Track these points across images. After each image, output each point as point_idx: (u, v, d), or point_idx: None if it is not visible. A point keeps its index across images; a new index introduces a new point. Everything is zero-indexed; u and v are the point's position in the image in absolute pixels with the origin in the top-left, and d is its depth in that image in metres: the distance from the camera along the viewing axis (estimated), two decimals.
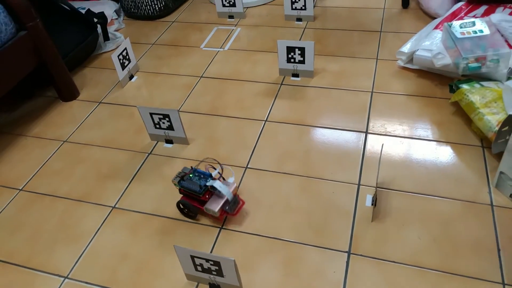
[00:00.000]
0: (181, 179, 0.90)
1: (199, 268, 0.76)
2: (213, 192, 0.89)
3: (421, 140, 1.03)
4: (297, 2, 1.53)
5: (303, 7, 1.54)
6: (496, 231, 0.81)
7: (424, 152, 1.00)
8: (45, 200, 1.01)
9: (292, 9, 1.56)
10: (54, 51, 1.25)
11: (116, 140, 1.16)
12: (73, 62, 1.45)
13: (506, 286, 0.73)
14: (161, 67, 1.44)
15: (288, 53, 1.25)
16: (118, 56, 1.32)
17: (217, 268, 0.73)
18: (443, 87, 1.17)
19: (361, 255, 0.81)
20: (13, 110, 1.33)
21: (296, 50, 1.24)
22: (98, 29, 1.51)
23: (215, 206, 0.87)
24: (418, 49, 1.16)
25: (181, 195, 0.93)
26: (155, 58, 1.50)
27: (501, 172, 0.86)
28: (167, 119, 1.07)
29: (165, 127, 1.09)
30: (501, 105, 0.94)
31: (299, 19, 1.58)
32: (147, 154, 1.11)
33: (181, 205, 0.93)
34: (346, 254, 0.81)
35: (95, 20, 1.49)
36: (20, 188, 1.06)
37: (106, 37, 1.57)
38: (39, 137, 1.21)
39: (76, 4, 1.66)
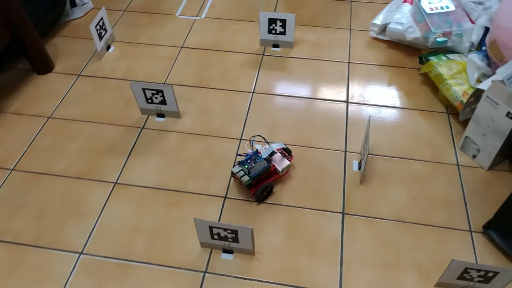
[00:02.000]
0: (247, 174, 0.91)
1: (215, 236, 0.84)
2: (271, 159, 0.95)
3: (395, 108, 1.15)
4: None
5: None
6: (463, 187, 0.97)
7: (398, 119, 1.12)
8: (42, 179, 1.02)
9: None
10: (28, 21, 1.18)
11: (105, 115, 1.17)
12: (42, 31, 1.38)
13: (473, 233, 0.89)
14: (138, 36, 1.42)
15: (269, 24, 1.29)
16: (96, 26, 1.28)
17: (233, 236, 0.82)
18: (412, 58, 1.28)
19: (353, 215, 0.93)
20: None
21: (278, 21, 1.28)
22: None
23: (284, 163, 0.94)
24: (390, 22, 1.25)
25: (251, 188, 0.93)
26: (129, 26, 1.46)
27: (466, 137, 1.01)
28: (160, 94, 1.09)
29: (158, 102, 1.12)
30: (465, 76, 1.08)
31: None
32: (140, 128, 1.13)
33: (265, 192, 0.93)
34: (341, 214, 0.93)
35: None
36: (12, 168, 1.05)
37: (73, 3, 1.49)
38: (19, 113, 1.18)
39: None
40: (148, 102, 1.12)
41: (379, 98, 1.18)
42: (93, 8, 1.54)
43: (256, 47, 1.36)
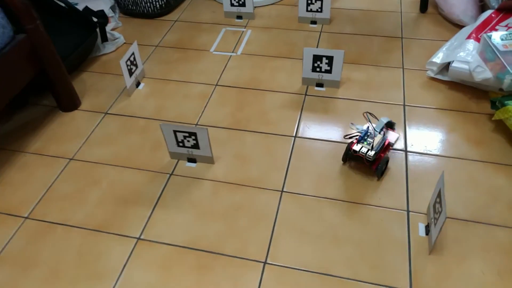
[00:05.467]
0: (371, 149, 0.92)
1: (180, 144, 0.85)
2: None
3: (464, 160, 0.98)
4: (313, 3, 1.45)
5: (319, 9, 1.46)
6: None
7: (470, 174, 0.95)
8: (57, 230, 0.90)
9: (307, 10, 1.47)
10: (56, 56, 1.11)
11: (131, 158, 1.05)
12: (70, 66, 1.31)
13: None
14: (169, 73, 1.33)
15: (314, 61, 1.17)
16: (126, 62, 1.20)
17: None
18: (478, 101, 1.12)
19: None
20: (5, 121, 1.19)
21: (324, 58, 1.16)
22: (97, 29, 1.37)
23: (394, 136, 1.03)
24: (453, 61, 1.11)
25: (373, 164, 0.94)
26: (161, 62, 1.38)
27: None
28: (193, 137, 0.97)
29: (190, 146, 0.99)
30: None
31: (313, 22, 1.49)
32: (168, 174, 1.01)
33: (385, 166, 0.95)
34: None
35: (94, 19, 1.35)
36: (26, 215, 0.93)
37: (105, 38, 1.43)
38: (40, 153, 1.08)
39: None
40: (179, 146, 1.00)
41: (444, 148, 1.02)
42: (124, 43, 1.47)
43: (298, 86, 1.23)
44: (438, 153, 1.00)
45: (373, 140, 0.94)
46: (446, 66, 1.17)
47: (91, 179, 1.01)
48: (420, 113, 1.11)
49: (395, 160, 0.99)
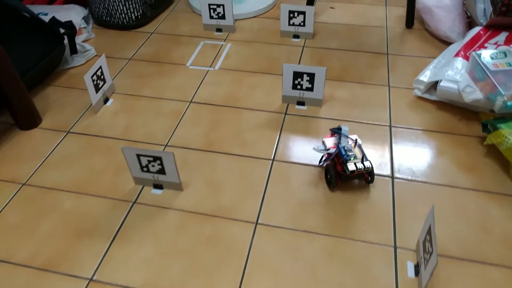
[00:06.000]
0: (362, 160, 0.86)
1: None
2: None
3: (455, 188, 0.90)
4: (296, 17, 1.37)
5: (302, 23, 1.39)
6: None
7: (461, 204, 0.87)
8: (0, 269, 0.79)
9: (289, 24, 1.40)
10: (12, 70, 1.01)
11: (91, 183, 0.95)
12: (33, 80, 1.21)
13: None
14: (141, 88, 1.23)
15: (294, 78, 1.09)
16: (92, 76, 1.10)
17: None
18: (468, 123, 1.05)
19: None
20: None
21: (305, 75, 1.08)
22: (64, 40, 1.27)
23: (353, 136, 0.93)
24: (441, 80, 1.04)
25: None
26: (133, 76, 1.28)
27: None
28: (158, 162, 0.87)
29: (155, 171, 0.90)
30: None
31: (296, 36, 1.42)
32: (131, 203, 0.91)
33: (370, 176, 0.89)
34: None
35: (62, 30, 1.26)
36: None
37: (74, 50, 1.33)
38: None
39: (36, 9, 1.41)
40: (143, 171, 0.91)
41: (433, 174, 0.94)
42: (95, 55, 1.38)
43: (278, 104, 1.15)
44: (426, 180, 0.92)
45: (354, 152, 0.87)
46: (434, 85, 1.10)
47: (43, 207, 0.90)
48: (407, 135, 1.03)
49: (381, 186, 0.91)
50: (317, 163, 0.97)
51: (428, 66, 1.14)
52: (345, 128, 0.92)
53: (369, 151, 0.99)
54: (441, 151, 0.99)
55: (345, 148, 0.88)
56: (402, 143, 1.01)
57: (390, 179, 0.93)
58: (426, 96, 1.12)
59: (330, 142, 0.92)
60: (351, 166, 0.85)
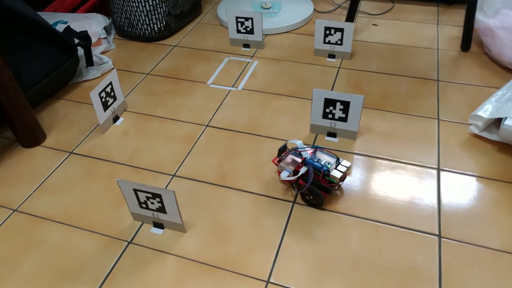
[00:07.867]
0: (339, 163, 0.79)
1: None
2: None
3: None
4: (332, 35, 1.23)
5: (339, 41, 1.24)
6: None
7: None
8: None
9: (324, 42, 1.25)
10: (13, 84, 0.92)
11: (86, 215, 0.84)
12: (42, 93, 1.13)
13: None
14: (155, 107, 1.12)
15: (326, 106, 0.94)
16: (100, 93, 1.00)
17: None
18: None
19: None
20: None
21: (338, 104, 0.93)
22: (79, 51, 1.19)
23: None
24: (506, 118, 0.86)
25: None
26: (148, 93, 1.18)
27: None
28: (157, 199, 0.75)
29: (155, 209, 0.77)
30: None
31: (331, 56, 1.27)
32: (126, 242, 0.78)
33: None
34: None
35: (76, 40, 1.17)
36: None
37: (90, 62, 1.25)
38: None
39: (56, 18, 1.35)
40: (142, 207, 0.78)
41: (492, 236, 0.75)
42: (113, 68, 1.29)
43: (305, 134, 1.00)
44: (481, 243, 0.74)
45: (323, 159, 0.80)
46: (495, 122, 0.92)
47: (30, 240, 0.79)
48: (459, 182, 0.85)
49: (423, 246, 0.74)
50: (345, 211, 0.81)
51: (488, 98, 0.95)
52: (298, 142, 0.84)
53: (409, 201, 0.82)
54: (502, 206, 0.80)
55: (316, 159, 0.79)
56: (452, 193, 0.84)
57: (437, 238, 0.75)
58: (485, 134, 0.93)
59: (290, 163, 0.82)
60: (337, 173, 0.77)
